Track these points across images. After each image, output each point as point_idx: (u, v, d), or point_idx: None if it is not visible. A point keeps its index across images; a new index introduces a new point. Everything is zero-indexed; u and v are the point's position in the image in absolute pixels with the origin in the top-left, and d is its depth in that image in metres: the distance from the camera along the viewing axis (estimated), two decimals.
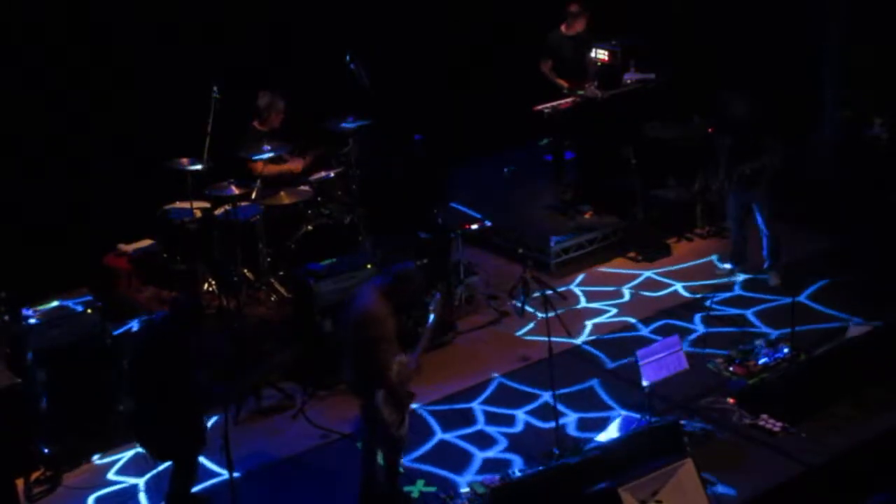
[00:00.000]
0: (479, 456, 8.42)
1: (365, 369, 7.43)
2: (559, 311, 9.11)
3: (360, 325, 7.40)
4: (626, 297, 10.61)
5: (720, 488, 7.62)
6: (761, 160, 10.05)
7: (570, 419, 8.71)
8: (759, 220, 10.39)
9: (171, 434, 7.48)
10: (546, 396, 8.90)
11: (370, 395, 7.40)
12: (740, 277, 10.60)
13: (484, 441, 8.58)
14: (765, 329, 9.65)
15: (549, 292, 8.36)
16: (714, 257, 11.02)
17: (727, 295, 10.31)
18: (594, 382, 9.19)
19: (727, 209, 10.68)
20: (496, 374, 9.36)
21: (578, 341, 9.75)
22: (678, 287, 10.69)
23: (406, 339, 7.76)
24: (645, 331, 9.91)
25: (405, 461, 8.02)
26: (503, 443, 8.51)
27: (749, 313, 9.99)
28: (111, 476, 8.50)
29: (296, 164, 10.72)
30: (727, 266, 10.77)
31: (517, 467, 8.20)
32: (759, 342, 9.33)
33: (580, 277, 11.02)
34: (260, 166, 10.34)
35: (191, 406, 7.51)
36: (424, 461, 8.38)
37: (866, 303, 9.78)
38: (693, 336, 9.66)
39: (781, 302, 9.81)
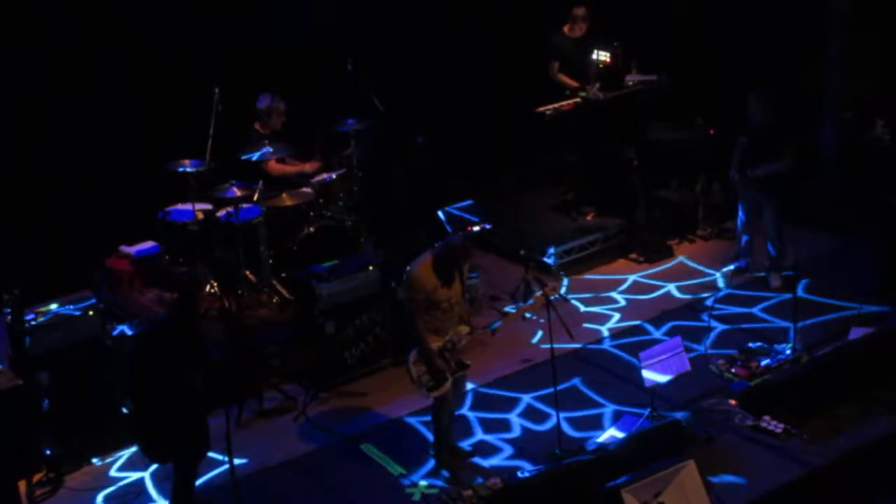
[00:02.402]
0: (480, 437, 8.51)
1: (405, 328, 7.96)
2: (561, 312, 9.11)
3: (404, 287, 7.95)
4: (629, 298, 10.61)
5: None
6: (778, 163, 10.08)
7: (560, 418, 8.66)
8: (769, 222, 10.41)
9: (172, 437, 7.48)
10: (527, 399, 9.01)
11: (407, 352, 7.90)
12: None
13: (487, 450, 8.56)
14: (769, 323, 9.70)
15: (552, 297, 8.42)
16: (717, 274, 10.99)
17: (726, 292, 10.33)
18: (591, 383, 9.22)
19: (739, 210, 10.68)
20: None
21: (580, 343, 9.74)
22: (678, 287, 10.73)
23: None
24: (657, 332, 9.95)
25: None
26: (508, 449, 8.49)
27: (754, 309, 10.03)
28: (113, 473, 8.52)
29: (311, 165, 10.72)
30: (730, 267, 10.78)
31: (506, 457, 8.28)
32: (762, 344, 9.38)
33: (582, 279, 11.03)
34: (272, 166, 10.38)
35: (191, 408, 7.50)
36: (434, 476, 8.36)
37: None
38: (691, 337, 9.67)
39: (782, 297, 9.87)
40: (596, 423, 8.69)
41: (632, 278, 10.96)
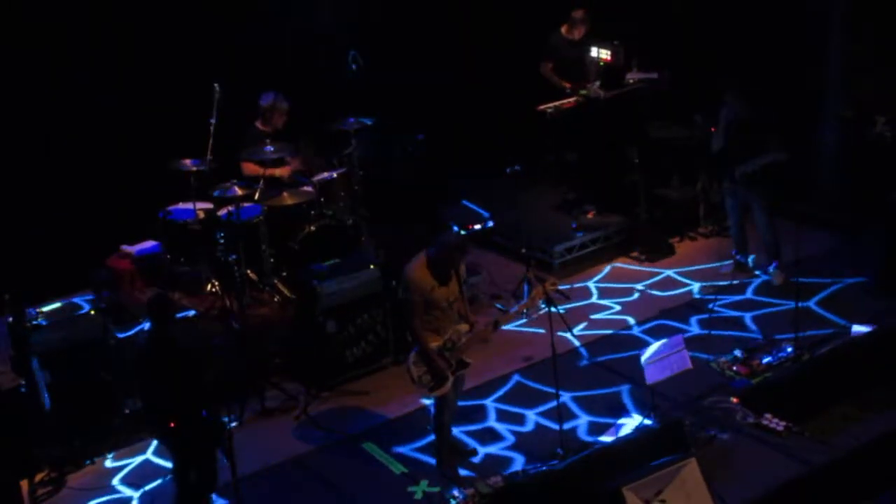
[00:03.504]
0: (481, 451, 8.47)
1: (404, 328, 7.98)
2: (562, 310, 9.10)
3: (401, 287, 7.85)
4: (631, 296, 10.61)
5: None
6: (763, 159, 10.06)
7: (582, 421, 8.74)
8: (759, 219, 10.40)
9: (174, 436, 7.48)
10: (564, 397, 8.93)
11: (408, 351, 7.89)
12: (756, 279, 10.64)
13: (491, 437, 8.60)
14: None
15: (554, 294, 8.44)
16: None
17: (733, 299, 10.32)
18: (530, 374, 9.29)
19: (727, 210, 10.69)
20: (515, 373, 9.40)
21: (578, 341, 9.75)
22: (684, 287, 10.72)
23: None
24: (637, 330, 9.96)
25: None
26: (518, 458, 8.45)
27: (748, 316, 10.03)
28: (115, 482, 8.49)
29: (282, 171, 10.68)
30: (731, 262, 10.78)
31: (518, 466, 8.23)
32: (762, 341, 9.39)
33: (583, 278, 11.04)
34: (247, 166, 10.37)
35: (191, 409, 7.49)
36: (424, 452, 8.44)
37: (869, 305, 9.85)
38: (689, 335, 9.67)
39: (786, 307, 9.87)
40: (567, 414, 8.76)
41: (593, 285, 10.92)
